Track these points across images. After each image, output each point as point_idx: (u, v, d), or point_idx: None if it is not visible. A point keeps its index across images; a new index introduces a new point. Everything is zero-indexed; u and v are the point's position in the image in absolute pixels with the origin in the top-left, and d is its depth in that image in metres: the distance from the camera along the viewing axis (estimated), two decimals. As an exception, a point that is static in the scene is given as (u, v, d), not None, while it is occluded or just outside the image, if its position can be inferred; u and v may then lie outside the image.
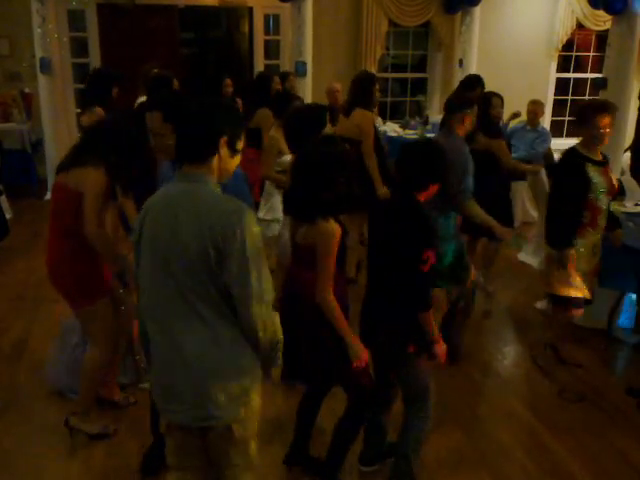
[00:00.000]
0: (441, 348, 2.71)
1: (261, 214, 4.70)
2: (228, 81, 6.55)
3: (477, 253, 5.09)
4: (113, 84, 5.01)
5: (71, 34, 8.30)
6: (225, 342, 2.01)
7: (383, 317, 2.73)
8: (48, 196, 7.41)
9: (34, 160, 8.01)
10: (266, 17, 9.00)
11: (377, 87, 5.15)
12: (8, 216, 6.68)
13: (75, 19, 8.36)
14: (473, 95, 5.66)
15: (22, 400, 3.62)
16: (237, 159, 2.09)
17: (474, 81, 5.89)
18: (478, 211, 3.90)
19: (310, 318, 2.61)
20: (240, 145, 2.06)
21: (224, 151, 2.00)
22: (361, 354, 2.58)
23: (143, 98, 5.46)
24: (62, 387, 3.61)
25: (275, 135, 4.32)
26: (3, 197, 6.74)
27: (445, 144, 3.62)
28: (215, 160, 2.00)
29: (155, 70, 5.49)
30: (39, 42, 7.31)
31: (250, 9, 8.90)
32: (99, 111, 4.92)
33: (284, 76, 6.68)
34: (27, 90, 8.09)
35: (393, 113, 9.74)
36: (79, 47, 8.43)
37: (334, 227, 2.51)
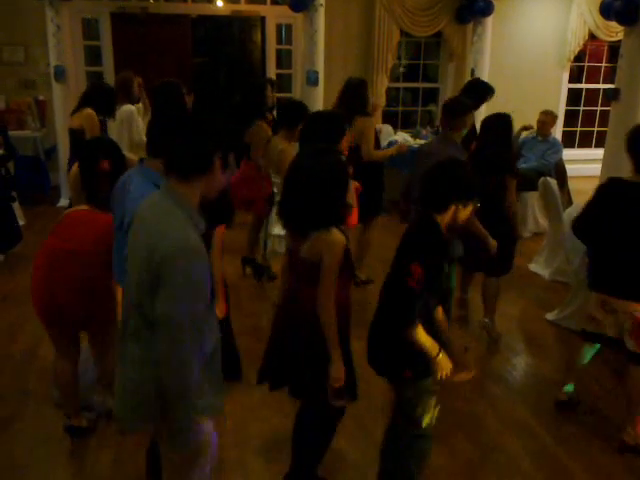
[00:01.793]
0: (444, 363, 2.56)
1: (276, 230, 4.72)
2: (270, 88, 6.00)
3: (473, 276, 4.98)
4: (109, 98, 5.22)
5: (85, 43, 8.39)
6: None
7: (381, 339, 2.69)
8: (61, 203, 7.47)
9: (47, 167, 8.08)
10: (278, 27, 9.05)
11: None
12: (21, 223, 6.74)
13: (89, 28, 8.46)
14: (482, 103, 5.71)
15: (31, 407, 3.64)
16: (226, 175, 2.07)
17: (483, 89, 5.84)
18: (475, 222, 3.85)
19: (306, 333, 2.55)
20: (230, 160, 2.06)
21: (218, 168, 2.00)
22: (340, 374, 2.51)
23: (128, 106, 5.54)
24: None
25: (286, 148, 4.32)
26: (16, 204, 6.80)
27: (442, 153, 3.60)
28: (205, 178, 1.99)
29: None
30: (53, 50, 7.39)
31: (263, 19, 8.96)
32: (90, 112, 5.02)
33: (271, 83, 6.42)
34: (41, 98, 8.17)
35: (404, 123, 9.76)
36: (93, 55, 8.52)
37: (339, 237, 2.47)
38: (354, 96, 5.15)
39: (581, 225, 3.47)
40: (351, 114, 5.00)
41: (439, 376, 2.57)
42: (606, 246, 3.31)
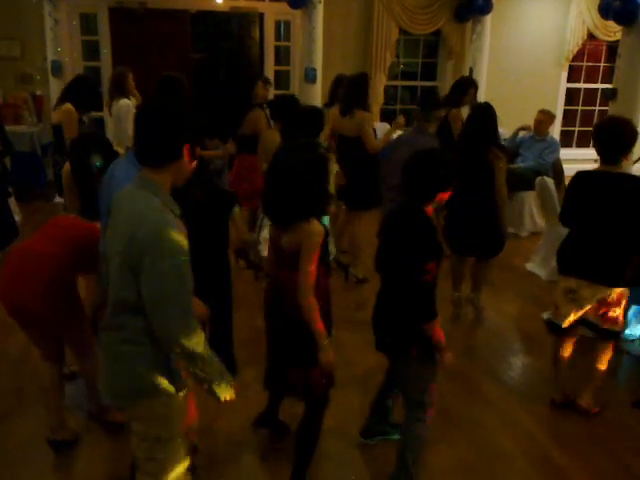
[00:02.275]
0: (447, 356, 2.75)
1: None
2: (260, 84, 6.17)
3: (465, 273, 5.05)
4: (94, 94, 5.16)
5: (83, 37, 8.36)
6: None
7: (390, 320, 2.82)
8: (57, 198, 7.44)
9: (44, 163, 8.05)
10: (277, 23, 9.03)
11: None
12: (17, 218, 6.71)
13: (87, 22, 8.42)
14: (466, 96, 6.07)
15: (26, 404, 3.62)
16: (194, 164, 2.12)
17: (466, 83, 6.30)
18: None
19: (292, 318, 2.65)
20: (198, 151, 2.11)
21: (186, 156, 2.06)
22: (330, 359, 2.64)
23: (124, 101, 5.54)
24: (73, 406, 3.57)
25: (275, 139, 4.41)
26: (12, 199, 6.77)
27: (417, 141, 3.68)
28: (175, 166, 2.05)
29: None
30: (51, 45, 7.37)
31: (261, 15, 8.94)
32: (68, 107, 4.99)
33: (265, 80, 6.43)
34: (38, 93, 8.14)
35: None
36: (91, 50, 8.49)
37: (318, 227, 2.58)
38: (355, 91, 5.27)
39: (565, 215, 3.66)
40: (351, 108, 5.20)
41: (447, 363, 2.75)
42: (583, 232, 3.50)
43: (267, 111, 5.70)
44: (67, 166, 3.54)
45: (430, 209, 2.75)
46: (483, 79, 9.20)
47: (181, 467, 2.27)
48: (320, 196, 2.63)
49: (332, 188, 3.47)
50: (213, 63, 9.86)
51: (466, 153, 4.53)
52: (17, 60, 8.15)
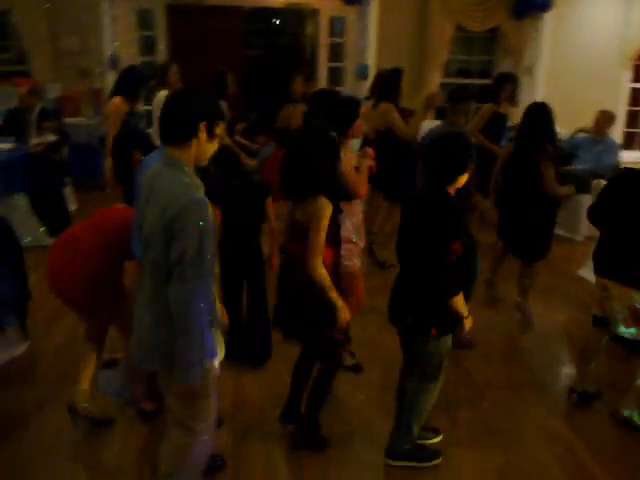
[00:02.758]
0: (469, 322, 2.91)
1: None
2: (298, 80, 6.24)
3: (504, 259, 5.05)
4: (142, 82, 5.21)
5: (140, 33, 8.54)
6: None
7: (411, 302, 2.93)
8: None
9: (100, 154, 8.25)
10: (332, 19, 9.01)
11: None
12: (73, 208, 6.92)
13: (144, 18, 8.59)
14: (503, 92, 6.12)
15: (67, 390, 3.69)
16: (215, 145, 2.31)
17: (503, 79, 6.28)
18: None
19: (303, 286, 2.86)
20: (218, 130, 2.29)
21: (203, 135, 2.22)
22: (346, 313, 2.86)
23: (163, 92, 5.58)
24: (112, 392, 3.67)
25: None
26: (68, 189, 6.98)
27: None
28: (194, 144, 2.22)
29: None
30: (108, 40, 7.54)
31: (316, 11, 8.93)
32: (114, 100, 5.06)
33: (308, 77, 6.51)
34: (97, 86, 8.35)
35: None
36: (147, 46, 8.65)
37: (326, 203, 2.79)
38: (387, 86, 5.50)
39: (593, 212, 3.67)
40: (379, 102, 5.51)
41: (467, 329, 2.92)
42: (612, 233, 3.51)
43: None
44: (109, 162, 3.60)
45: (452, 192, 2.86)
46: (542, 78, 8.96)
47: (210, 419, 2.49)
48: (327, 174, 2.85)
49: (365, 178, 3.59)
50: (266, 60, 9.90)
51: (517, 153, 4.48)
52: (77, 54, 8.35)
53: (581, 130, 6.98)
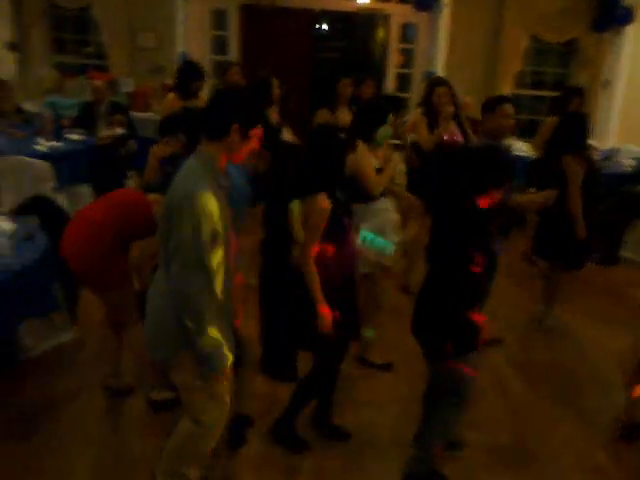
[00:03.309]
0: (486, 331, 2.78)
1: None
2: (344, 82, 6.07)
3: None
4: (196, 78, 5.20)
5: (212, 32, 8.69)
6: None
7: (430, 309, 2.86)
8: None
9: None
10: (402, 25, 8.93)
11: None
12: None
13: (217, 18, 8.74)
14: (569, 105, 5.93)
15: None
16: (250, 146, 2.34)
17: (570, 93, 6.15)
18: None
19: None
20: (253, 132, 2.31)
21: (235, 135, 2.27)
22: (327, 321, 2.83)
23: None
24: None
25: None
26: (131, 181, 7.16)
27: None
28: (226, 143, 2.28)
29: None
30: (181, 38, 7.71)
31: (387, 16, 8.87)
32: (168, 97, 5.12)
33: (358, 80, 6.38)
34: (167, 82, 8.54)
35: (527, 132, 9.28)
36: (219, 45, 8.80)
37: (325, 202, 2.80)
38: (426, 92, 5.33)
39: None
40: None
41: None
42: None
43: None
44: (155, 147, 3.73)
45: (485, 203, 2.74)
46: (619, 92, 8.60)
47: (218, 412, 2.48)
48: (326, 173, 2.87)
49: (400, 182, 3.80)
50: (335, 63, 9.92)
51: (548, 160, 4.57)
52: (151, 51, 8.59)
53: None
